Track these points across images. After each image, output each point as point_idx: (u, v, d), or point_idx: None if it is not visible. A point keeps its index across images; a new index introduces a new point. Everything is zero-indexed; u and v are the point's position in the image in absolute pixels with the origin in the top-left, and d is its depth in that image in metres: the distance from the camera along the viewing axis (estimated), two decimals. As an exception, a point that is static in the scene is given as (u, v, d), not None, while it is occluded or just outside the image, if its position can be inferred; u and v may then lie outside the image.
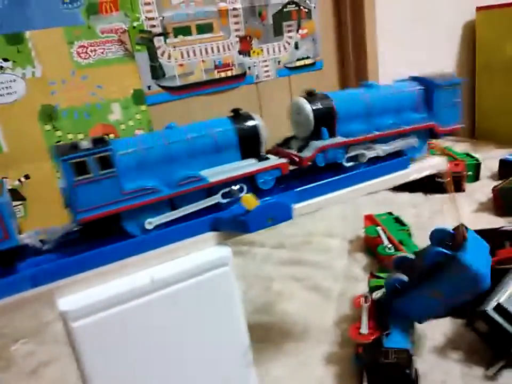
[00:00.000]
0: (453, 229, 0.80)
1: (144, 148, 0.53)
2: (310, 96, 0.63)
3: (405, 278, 0.76)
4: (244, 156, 0.59)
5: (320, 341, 0.85)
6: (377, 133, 0.65)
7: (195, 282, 0.51)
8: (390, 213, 1.22)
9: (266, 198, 0.55)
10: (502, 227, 1.00)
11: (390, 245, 1.05)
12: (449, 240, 0.78)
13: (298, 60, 1.48)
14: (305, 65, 1.49)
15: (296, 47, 1.47)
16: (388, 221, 1.17)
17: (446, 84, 0.71)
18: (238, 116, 0.60)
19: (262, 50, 1.40)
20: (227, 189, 0.57)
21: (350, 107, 0.64)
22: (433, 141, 0.74)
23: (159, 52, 1.24)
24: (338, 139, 0.63)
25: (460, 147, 1.73)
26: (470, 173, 1.47)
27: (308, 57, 1.49)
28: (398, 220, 1.18)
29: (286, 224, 1.38)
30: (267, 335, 0.89)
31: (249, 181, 0.58)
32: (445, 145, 1.66)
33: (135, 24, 1.18)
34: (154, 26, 1.22)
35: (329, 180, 0.62)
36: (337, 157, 0.63)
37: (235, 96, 1.37)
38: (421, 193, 1.45)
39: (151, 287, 0.49)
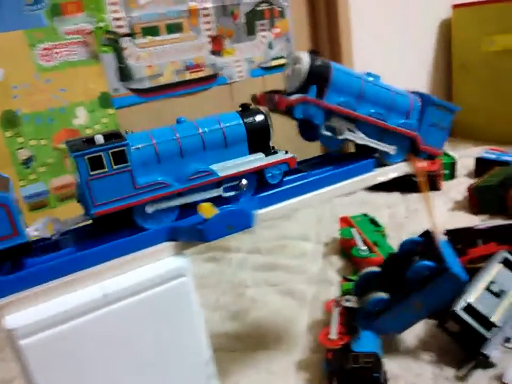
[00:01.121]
0: (421, 235, 0.80)
1: (156, 142, 0.53)
2: (313, 53, 0.61)
3: (386, 296, 0.75)
4: (252, 150, 0.59)
5: (292, 348, 0.83)
6: (361, 114, 0.63)
7: (150, 295, 0.48)
8: (365, 214, 1.21)
9: (227, 206, 0.53)
10: (475, 226, 0.99)
11: (364, 247, 1.04)
12: (420, 249, 0.77)
13: (273, 59, 1.46)
14: (280, 65, 1.47)
15: (270, 46, 1.45)
16: (363, 223, 1.16)
17: (441, 104, 0.70)
18: (246, 110, 0.60)
19: (234, 50, 1.37)
20: (235, 183, 0.57)
21: (346, 80, 0.62)
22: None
23: (126, 53, 1.20)
24: (324, 101, 0.61)
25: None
26: (446, 171, 1.47)
27: (282, 57, 1.47)
28: (373, 221, 1.17)
29: (262, 228, 1.37)
30: (239, 343, 0.87)
31: (258, 175, 0.59)
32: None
33: (100, 24, 1.15)
34: (121, 26, 1.18)
35: (293, 184, 0.61)
36: (316, 118, 0.61)
37: (207, 97, 1.34)
38: (398, 192, 1.44)
39: (104, 302, 0.46)
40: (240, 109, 0.60)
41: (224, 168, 0.56)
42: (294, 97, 0.59)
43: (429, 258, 0.73)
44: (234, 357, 0.83)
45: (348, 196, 1.51)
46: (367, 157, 0.66)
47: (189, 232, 0.52)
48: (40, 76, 1.10)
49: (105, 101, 1.19)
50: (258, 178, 0.59)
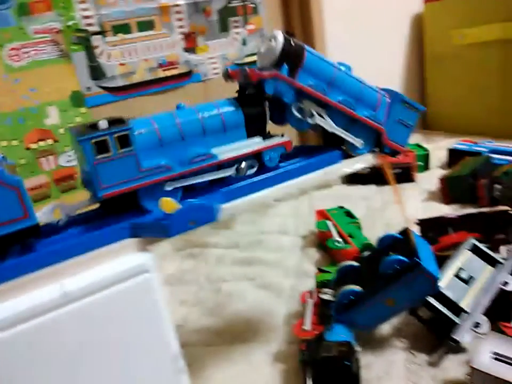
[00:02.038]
0: (400, 233, 0.81)
1: (158, 127, 0.55)
2: (288, 34, 0.62)
3: (359, 289, 0.76)
4: (249, 135, 0.62)
5: (269, 340, 0.84)
6: (330, 99, 0.64)
7: (113, 292, 0.48)
8: (341, 207, 1.23)
9: (190, 200, 0.53)
10: (446, 215, 1.02)
11: (339, 239, 1.06)
12: (397, 245, 0.79)
13: (247, 56, 1.46)
14: (254, 62, 1.47)
15: (244, 43, 1.45)
16: (338, 215, 1.17)
17: (408, 102, 0.71)
18: (243, 96, 0.62)
19: (208, 47, 1.37)
20: (234, 166, 0.60)
21: (318, 65, 0.63)
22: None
23: (97, 52, 1.19)
24: (295, 80, 0.61)
25: (411, 138, 1.75)
26: (420, 163, 1.49)
27: (256, 54, 1.47)
28: (348, 214, 1.19)
29: (240, 222, 1.38)
30: (216, 338, 0.87)
31: (256, 158, 0.61)
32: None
33: (70, 23, 1.14)
34: (91, 24, 1.17)
35: (259, 178, 0.61)
36: (287, 96, 0.61)
37: (181, 95, 1.33)
38: (374, 185, 1.46)
39: (63, 300, 0.46)
40: (237, 95, 0.62)
41: (224, 151, 0.59)
42: (266, 72, 0.60)
43: (403, 254, 0.73)
44: (211, 351, 0.83)
45: (326, 189, 1.52)
46: (333, 149, 0.67)
47: (151, 227, 0.52)
48: (9, 76, 1.09)
49: (77, 100, 1.18)
50: (257, 161, 0.62)
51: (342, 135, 0.67)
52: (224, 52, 1.41)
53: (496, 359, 0.60)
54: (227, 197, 0.58)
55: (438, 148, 1.62)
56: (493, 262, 0.81)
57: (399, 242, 0.80)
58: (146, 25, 1.25)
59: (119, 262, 0.50)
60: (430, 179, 1.42)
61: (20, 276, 0.47)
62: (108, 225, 0.51)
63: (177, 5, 1.29)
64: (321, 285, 0.86)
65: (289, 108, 0.63)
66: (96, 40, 1.19)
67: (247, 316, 0.92)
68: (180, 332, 0.90)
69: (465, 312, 0.74)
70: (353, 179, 1.51)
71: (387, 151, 0.72)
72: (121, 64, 1.23)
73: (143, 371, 0.50)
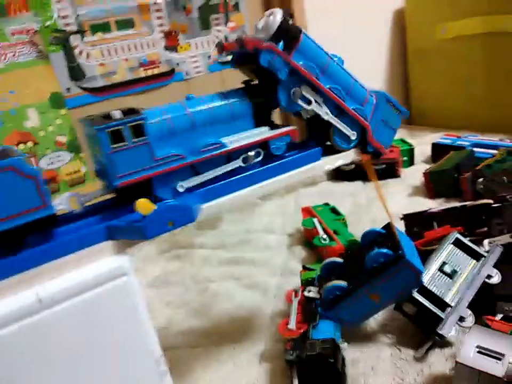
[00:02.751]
0: (383, 228, 0.81)
1: (169, 117, 0.56)
2: (287, 14, 0.62)
3: (344, 284, 0.75)
4: (257, 124, 0.64)
5: (255, 340, 0.83)
6: (323, 84, 0.64)
7: (91, 296, 0.47)
8: (327, 204, 1.22)
9: (168, 201, 0.52)
10: (430, 209, 1.02)
11: (325, 236, 1.05)
12: (381, 240, 0.79)
13: (229, 54, 1.45)
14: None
15: (226, 40, 1.43)
16: (324, 212, 1.17)
17: (392, 102, 0.72)
18: (250, 86, 0.64)
19: (189, 45, 1.36)
20: (245, 154, 0.61)
21: (313, 49, 0.63)
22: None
23: (76, 52, 1.17)
24: (291, 57, 0.61)
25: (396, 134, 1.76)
26: (405, 158, 1.50)
27: (239, 51, 1.47)
28: (334, 210, 1.18)
29: (226, 222, 1.37)
30: (202, 339, 0.87)
31: (263, 147, 0.63)
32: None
33: (47, 23, 1.12)
34: (69, 24, 1.15)
35: (239, 176, 0.60)
36: (281, 72, 0.60)
37: (165, 94, 1.32)
38: (360, 181, 1.46)
39: (39, 306, 0.45)
40: (244, 85, 0.64)
41: (233, 140, 0.60)
42: (263, 42, 0.59)
43: (387, 248, 0.73)
44: (198, 353, 0.82)
45: (312, 186, 1.52)
46: (314, 146, 0.66)
47: (128, 230, 0.51)
48: (-13, 78, 1.07)
49: (56, 101, 1.16)
50: (264, 150, 0.63)
51: (336, 124, 0.67)
52: (206, 50, 1.40)
53: (480, 352, 0.60)
54: (206, 196, 0.57)
55: (423, 143, 1.62)
56: (476, 256, 0.81)
57: (383, 237, 0.80)
58: (125, 24, 1.23)
59: (96, 265, 0.49)
60: (415, 174, 1.43)
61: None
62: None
63: (156, 3, 1.28)
64: (306, 283, 0.86)
65: (282, 87, 0.63)
66: (74, 40, 1.17)
67: (233, 316, 0.92)
68: (166, 334, 0.90)
69: (450, 306, 0.74)
70: (339, 176, 1.51)
71: (370, 149, 0.72)
72: (101, 64, 1.21)
73: (124, 375, 0.49)
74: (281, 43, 0.60)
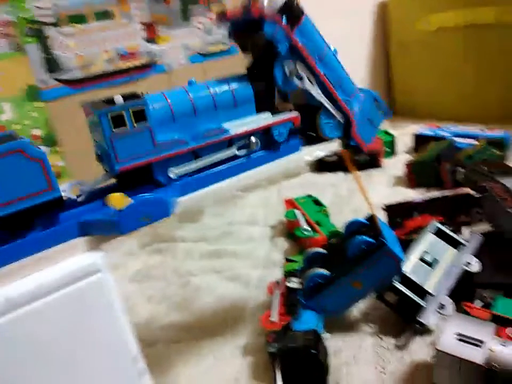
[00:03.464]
0: (366, 219, 0.81)
1: (171, 102, 0.56)
2: None
3: (326, 272, 0.75)
4: (259, 110, 0.63)
5: (238, 333, 0.83)
6: (318, 68, 0.64)
7: (64, 295, 0.45)
8: (309, 195, 1.22)
9: (143, 194, 0.51)
10: (412, 199, 1.03)
11: (307, 227, 1.05)
12: (363, 230, 0.79)
13: (211, 45, 1.43)
14: (219, 51, 1.44)
15: (208, 32, 1.42)
16: (306, 203, 1.17)
17: (379, 101, 0.73)
18: (252, 72, 0.64)
19: (170, 36, 1.33)
20: (245, 141, 0.61)
21: (313, 33, 0.64)
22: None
23: (53, 43, 1.14)
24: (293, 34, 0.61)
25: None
26: (387, 149, 1.50)
27: (221, 43, 1.45)
28: (316, 202, 1.18)
29: (208, 215, 1.35)
30: (184, 333, 0.86)
31: (265, 133, 0.63)
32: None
33: (23, 14, 1.08)
34: (45, 15, 1.12)
35: (217, 169, 0.59)
36: (281, 45, 0.60)
37: (145, 86, 1.29)
38: (342, 172, 1.46)
39: (7, 306, 0.43)
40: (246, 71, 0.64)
41: (235, 126, 0.60)
42: (267, 8, 0.58)
43: (369, 237, 0.74)
44: (179, 348, 0.82)
45: (295, 178, 1.52)
46: (293, 137, 0.66)
47: (101, 225, 0.50)
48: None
49: (32, 94, 1.13)
50: (266, 136, 0.63)
51: (327, 105, 0.67)
52: (187, 42, 1.38)
53: (460, 340, 0.61)
54: (184, 190, 0.56)
55: (404, 134, 1.63)
56: (456, 244, 0.82)
57: (365, 227, 0.81)
58: (103, 15, 1.20)
59: (68, 262, 0.47)
60: (397, 164, 1.43)
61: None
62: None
63: (135, -6, 1.25)
64: (288, 274, 0.85)
65: (279, 63, 0.62)
66: (51, 32, 1.14)
67: (215, 310, 0.91)
68: (147, 329, 0.89)
69: (430, 294, 0.74)
70: (321, 167, 1.51)
71: (352, 143, 0.72)
72: (79, 56, 1.19)
73: (101, 374, 0.48)
74: (284, 19, 0.60)
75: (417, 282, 0.75)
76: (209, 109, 0.59)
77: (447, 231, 0.83)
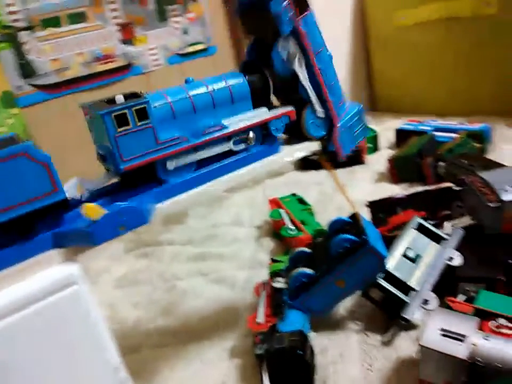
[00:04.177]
0: (349, 217, 0.82)
1: (171, 100, 0.57)
2: None
3: (310, 271, 0.75)
4: (255, 105, 0.65)
5: (225, 336, 0.82)
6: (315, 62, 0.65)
7: (40, 308, 0.44)
8: (294, 194, 1.22)
9: (119, 203, 0.50)
10: (394, 195, 1.03)
11: (292, 226, 1.05)
12: (347, 228, 0.79)
13: (189, 45, 1.42)
14: (197, 51, 1.43)
15: (185, 32, 1.40)
16: (291, 203, 1.17)
17: (363, 118, 0.75)
18: (247, 68, 0.65)
19: (147, 37, 1.32)
20: (243, 136, 0.63)
21: (314, 31, 0.65)
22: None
23: (26, 48, 1.12)
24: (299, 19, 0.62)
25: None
26: (369, 145, 1.51)
27: (199, 42, 1.43)
28: (301, 200, 1.18)
29: (194, 217, 1.34)
30: (171, 338, 0.85)
31: (263, 128, 0.64)
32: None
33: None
34: (18, 20, 1.10)
35: (196, 174, 0.59)
36: (286, 25, 0.61)
37: (123, 89, 1.25)
38: (326, 170, 1.46)
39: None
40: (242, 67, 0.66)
41: (234, 122, 0.62)
42: None
43: (352, 235, 0.74)
44: (166, 353, 0.81)
45: (279, 176, 1.52)
46: (271, 139, 0.66)
47: (76, 236, 0.49)
48: None
49: (7, 100, 1.10)
50: (264, 131, 0.64)
51: (313, 100, 0.67)
52: (164, 42, 1.36)
53: (444, 335, 0.61)
54: (160, 196, 0.55)
55: (387, 129, 1.64)
56: (438, 239, 0.82)
57: (349, 225, 0.81)
58: (77, 18, 1.18)
59: (44, 275, 0.46)
60: (380, 160, 1.44)
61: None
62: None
63: (110, -5, 1.23)
64: (274, 275, 0.85)
65: (280, 44, 0.62)
66: (24, 36, 1.11)
67: (201, 313, 0.90)
68: (133, 335, 0.88)
69: (414, 290, 0.75)
70: (305, 165, 1.52)
71: (331, 148, 0.72)
72: (54, 60, 1.16)
73: (82, 385, 0.47)
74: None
75: (401, 279, 0.75)
76: (208, 106, 0.60)
77: (429, 226, 0.84)
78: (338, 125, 0.70)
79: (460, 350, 0.59)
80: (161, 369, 0.77)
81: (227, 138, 0.61)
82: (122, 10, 1.27)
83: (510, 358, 0.56)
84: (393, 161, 1.27)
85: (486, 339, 0.59)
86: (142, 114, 0.53)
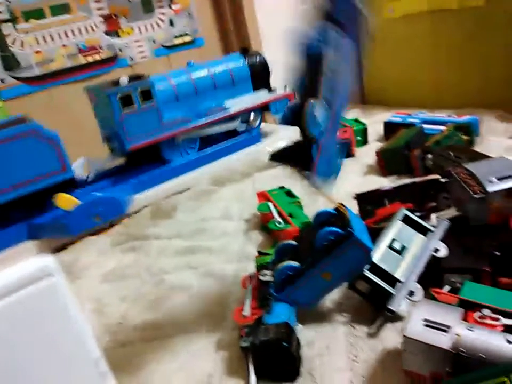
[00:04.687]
0: (335, 209, 0.82)
1: (174, 83, 0.58)
2: None
3: (296, 264, 0.75)
4: (255, 88, 0.65)
5: (212, 329, 0.82)
6: None
7: (14, 301, 0.43)
8: (282, 187, 1.22)
9: (94, 193, 0.50)
10: (382, 187, 1.03)
11: (280, 219, 1.05)
12: (332, 220, 0.79)
13: (176, 37, 1.40)
14: (184, 43, 1.41)
15: (172, 23, 1.39)
16: (279, 196, 1.16)
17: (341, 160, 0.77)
18: (247, 52, 0.65)
19: (132, 29, 1.30)
20: (245, 117, 0.62)
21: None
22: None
23: (9, 40, 1.10)
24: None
25: (350, 114, 1.77)
26: (358, 138, 1.51)
27: (186, 34, 1.42)
28: (289, 193, 1.18)
29: (182, 211, 1.34)
30: (158, 332, 0.85)
31: (263, 109, 0.64)
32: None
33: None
34: (-1, 12, 1.08)
35: (174, 165, 0.59)
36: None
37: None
38: (315, 162, 1.46)
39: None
40: (241, 51, 0.66)
41: (235, 103, 0.63)
42: None
43: (337, 227, 0.74)
44: (153, 346, 0.81)
45: (269, 170, 1.51)
46: (252, 130, 0.65)
47: (51, 227, 0.48)
48: None
49: (-10, 93, 1.09)
50: (264, 112, 0.63)
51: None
52: (150, 34, 1.35)
53: (427, 325, 0.61)
54: (138, 187, 0.55)
55: (376, 122, 1.64)
56: (424, 231, 0.83)
57: (334, 218, 0.81)
58: (60, 9, 1.16)
59: (18, 267, 0.45)
60: (369, 153, 1.44)
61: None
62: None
63: (94, -14, 1.21)
64: (261, 268, 0.85)
65: None
66: (6, 28, 1.09)
67: (189, 307, 0.90)
68: (121, 330, 0.88)
69: (400, 281, 0.75)
70: (283, 157, 1.51)
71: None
72: (37, 52, 1.14)
73: (58, 379, 0.47)
74: None
75: (387, 270, 0.76)
76: (209, 88, 0.63)
77: (415, 217, 0.84)
78: (325, 143, 0.68)
79: (443, 341, 0.59)
80: (148, 362, 0.77)
81: (228, 120, 0.62)
82: (107, 2, 1.25)
83: (494, 349, 0.57)
84: (381, 154, 1.27)
85: (470, 330, 0.59)
86: (147, 95, 0.55)
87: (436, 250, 0.78)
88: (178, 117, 0.56)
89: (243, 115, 0.62)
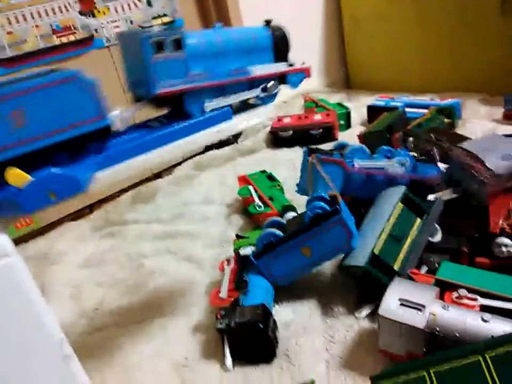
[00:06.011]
0: (330, 196, 0.80)
1: (203, 40, 0.62)
2: None
3: (279, 232, 0.75)
4: (276, 60, 0.70)
5: (189, 312, 0.81)
6: None
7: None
8: (264, 171, 1.21)
9: (49, 168, 0.47)
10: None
11: (260, 203, 1.04)
12: (325, 201, 0.78)
13: (154, 18, 1.36)
14: (163, 24, 1.38)
15: (149, 3, 1.35)
16: (259, 179, 1.15)
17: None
18: (269, 24, 0.70)
19: (108, 9, 1.26)
20: (264, 84, 0.67)
21: None
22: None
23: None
24: None
25: (335, 98, 1.76)
26: (342, 122, 1.50)
27: (165, 15, 1.38)
28: (270, 177, 1.17)
29: (162, 195, 1.31)
30: (135, 316, 0.84)
31: (282, 80, 0.70)
32: (320, 97, 1.67)
33: None
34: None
35: (138, 142, 0.57)
36: None
37: (86, 62, 1.22)
38: (298, 147, 1.45)
39: None
40: (265, 23, 0.70)
41: (257, 69, 0.66)
42: None
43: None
44: (130, 330, 0.80)
45: (251, 154, 1.50)
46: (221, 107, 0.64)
47: (4, 205, 0.46)
48: None
49: (-41, 75, 1.05)
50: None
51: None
52: (127, 14, 1.31)
53: (402, 304, 0.61)
54: (100, 164, 0.52)
55: (360, 106, 1.63)
56: (420, 213, 0.79)
57: (327, 201, 0.80)
58: (33, -13, 1.12)
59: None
60: (352, 137, 1.43)
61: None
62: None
63: (67, -37, 1.17)
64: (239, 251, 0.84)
65: None
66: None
67: (168, 291, 0.89)
68: (97, 315, 0.86)
69: (398, 274, 0.70)
70: (277, 142, 1.50)
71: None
72: (9, 33, 1.10)
73: (21, 362, 0.45)
74: None
75: (386, 262, 0.71)
76: (233, 53, 0.65)
77: (415, 198, 0.79)
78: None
79: (418, 320, 0.58)
80: (124, 346, 0.76)
81: (248, 85, 0.66)
82: (82, -20, 1.21)
83: (469, 328, 0.57)
84: (363, 137, 1.26)
85: (445, 309, 0.59)
86: (177, 44, 0.56)
87: (432, 235, 0.77)
88: (205, 71, 0.57)
89: (263, 83, 0.64)
